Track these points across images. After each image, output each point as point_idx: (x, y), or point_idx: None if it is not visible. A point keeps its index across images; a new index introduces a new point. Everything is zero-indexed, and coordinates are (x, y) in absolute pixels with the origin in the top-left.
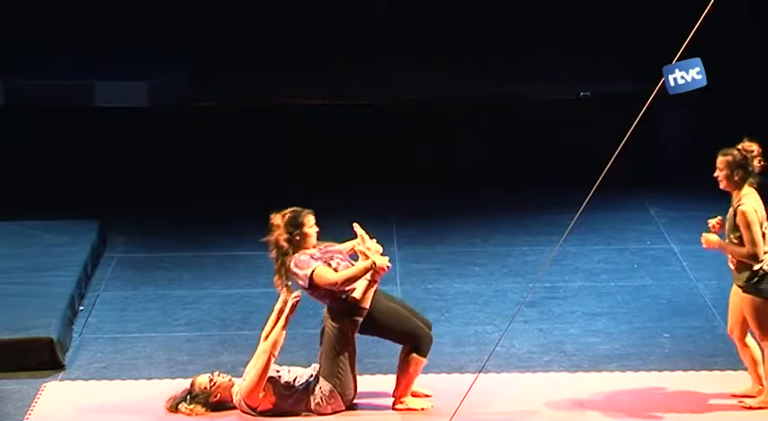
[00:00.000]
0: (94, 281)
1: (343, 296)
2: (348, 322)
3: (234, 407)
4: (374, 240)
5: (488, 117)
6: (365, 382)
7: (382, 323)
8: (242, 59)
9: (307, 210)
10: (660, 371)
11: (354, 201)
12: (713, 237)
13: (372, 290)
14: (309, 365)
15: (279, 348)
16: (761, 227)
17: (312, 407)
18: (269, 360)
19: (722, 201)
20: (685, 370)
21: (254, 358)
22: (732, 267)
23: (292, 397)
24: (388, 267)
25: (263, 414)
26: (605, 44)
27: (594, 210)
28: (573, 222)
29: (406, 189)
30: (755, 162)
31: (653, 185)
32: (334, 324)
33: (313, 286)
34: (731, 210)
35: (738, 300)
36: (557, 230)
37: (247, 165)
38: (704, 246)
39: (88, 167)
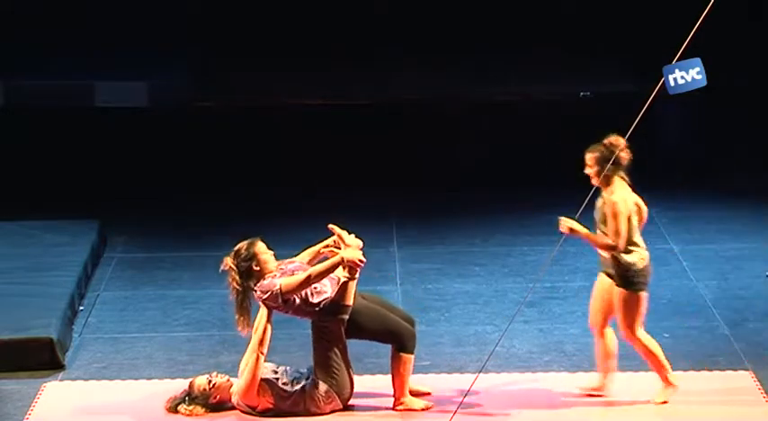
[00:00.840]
0: (94, 281)
1: (318, 308)
2: (334, 321)
3: (233, 408)
4: (352, 235)
5: (488, 117)
6: (365, 382)
7: (362, 325)
8: (242, 59)
9: (252, 239)
10: None
11: (354, 201)
12: (571, 222)
13: (353, 286)
14: (307, 366)
15: (266, 346)
16: (629, 220)
17: (310, 407)
18: (257, 359)
19: (722, 200)
20: (685, 370)
21: (245, 357)
22: (606, 255)
23: (290, 398)
24: (360, 260)
25: (263, 414)
26: (605, 44)
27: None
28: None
29: (406, 189)
30: (623, 154)
31: (653, 185)
32: (320, 324)
33: (286, 300)
34: (601, 200)
35: (605, 288)
36: (557, 230)
37: (247, 165)
38: (562, 230)
39: (88, 167)
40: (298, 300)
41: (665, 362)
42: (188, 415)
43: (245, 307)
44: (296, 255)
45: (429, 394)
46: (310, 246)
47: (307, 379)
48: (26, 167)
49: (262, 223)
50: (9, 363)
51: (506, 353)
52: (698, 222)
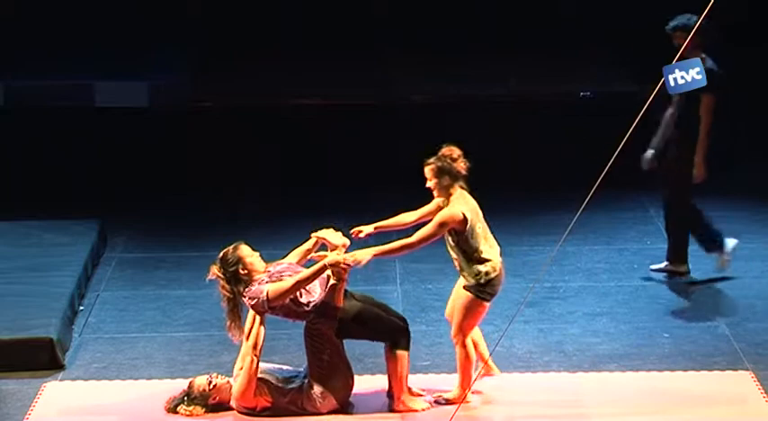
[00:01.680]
0: (94, 281)
1: (307, 308)
2: (324, 323)
3: (232, 408)
4: (339, 233)
5: (488, 117)
6: (365, 382)
7: (354, 325)
8: (242, 59)
9: (236, 244)
10: (660, 371)
11: (354, 200)
12: (356, 253)
13: (341, 287)
14: (304, 365)
15: (260, 349)
16: (475, 227)
17: (307, 407)
18: (252, 361)
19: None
20: (685, 370)
21: (238, 360)
22: (456, 264)
23: (287, 396)
24: (344, 262)
25: (262, 413)
26: (605, 44)
27: (594, 210)
28: (573, 222)
29: (406, 189)
30: (459, 164)
31: (653, 185)
32: (312, 326)
33: (274, 307)
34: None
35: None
36: (557, 230)
37: (247, 165)
38: (354, 264)
39: (88, 167)
40: (287, 301)
41: (470, 377)
42: (187, 415)
43: (236, 313)
44: (284, 257)
45: (422, 395)
46: (297, 246)
47: (304, 377)
48: (26, 167)
49: (262, 223)
50: (9, 363)
51: (506, 353)
52: None
